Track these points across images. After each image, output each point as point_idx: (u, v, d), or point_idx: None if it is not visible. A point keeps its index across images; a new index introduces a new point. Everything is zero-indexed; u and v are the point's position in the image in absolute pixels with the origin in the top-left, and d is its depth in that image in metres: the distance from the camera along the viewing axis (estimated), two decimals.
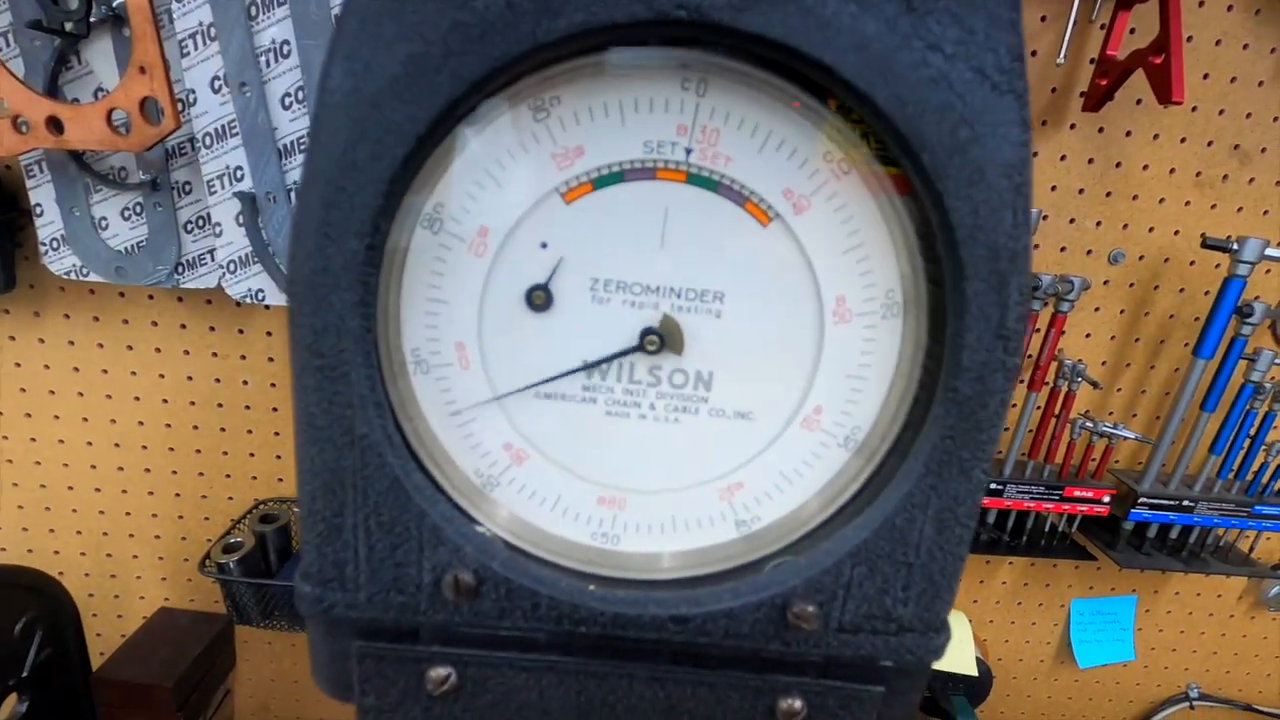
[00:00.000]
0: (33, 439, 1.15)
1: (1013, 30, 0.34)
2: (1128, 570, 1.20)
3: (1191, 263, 1.10)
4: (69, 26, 0.84)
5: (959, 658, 1.20)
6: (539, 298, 0.42)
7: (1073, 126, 1.03)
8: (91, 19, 0.85)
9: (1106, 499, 1.12)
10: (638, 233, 0.41)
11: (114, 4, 0.85)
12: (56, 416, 1.13)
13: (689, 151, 0.40)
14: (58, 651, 1.00)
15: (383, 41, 0.34)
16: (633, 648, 0.45)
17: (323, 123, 0.35)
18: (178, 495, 1.19)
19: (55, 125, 0.84)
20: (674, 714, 0.46)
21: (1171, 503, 1.12)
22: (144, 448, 1.16)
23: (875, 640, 0.44)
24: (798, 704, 0.45)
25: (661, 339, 0.42)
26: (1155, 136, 1.03)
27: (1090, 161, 1.05)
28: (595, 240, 0.42)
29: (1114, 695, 1.43)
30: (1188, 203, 1.07)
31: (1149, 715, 1.43)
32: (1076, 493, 1.11)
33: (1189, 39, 0.98)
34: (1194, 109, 1.02)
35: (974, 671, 1.19)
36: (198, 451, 1.16)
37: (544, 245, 0.42)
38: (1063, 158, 1.04)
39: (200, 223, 0.96)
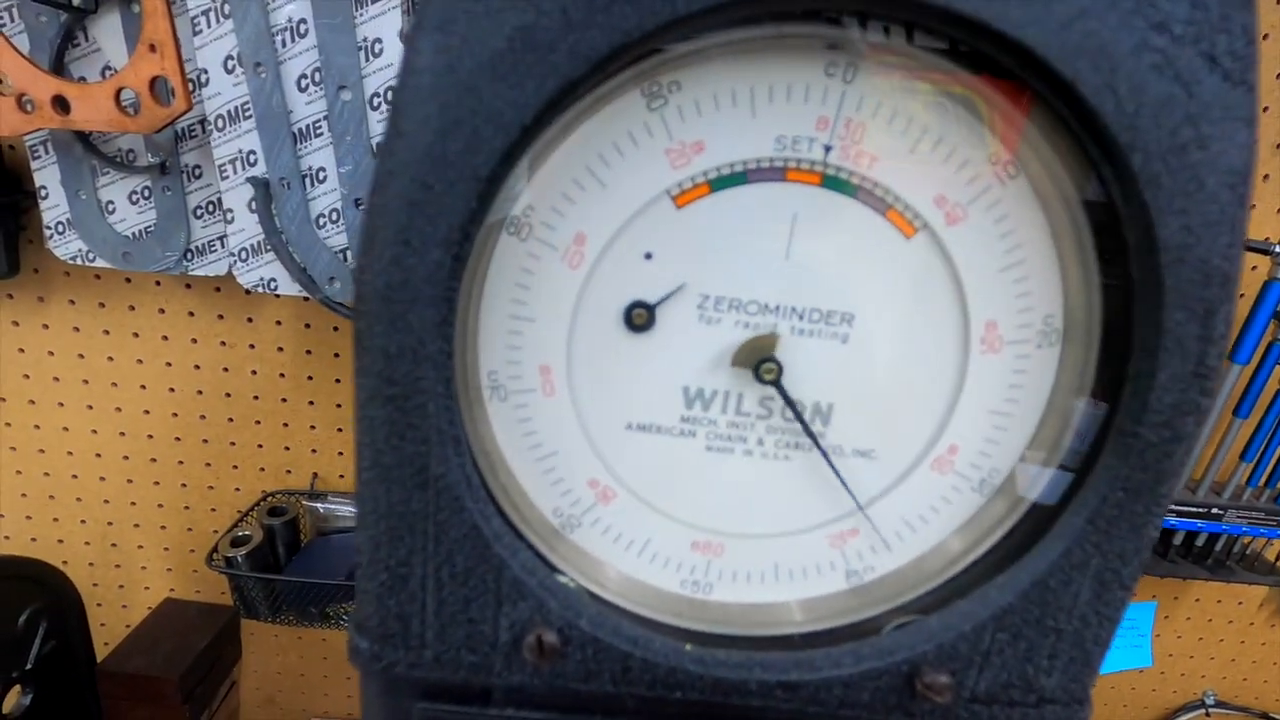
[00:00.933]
0: (36, 426, 1.11)
1: (1248, 7, 0.28)
2: (1148, 576, 1.17)
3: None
4: (76, 1, 0.80)
5: None
6: (640, 316, 0.36)
7: None
8: None
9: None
10: (759, 243, 0.35)
11: None
12: (61, 404, 1.10)
13: (828, 149, 0.34)
14: (62, 643, 0.98)
15: (485, 10, 0.28)
16: (731, 716, 0.39)
17: (406, 110, 0.29)
18: (184, 485, 1.17)
19: (61, 105, 0.79)
20: None
21: (1199, 510, 1.09)
22: (150, 437, 1.13)
23: (1011, 712, 0.39)
24: None
25: (780, 367, 0.36)
26: None
27: None
28: (709, 251, 0.35)
29: (1130, 701, 1.42)
30: (1266, 177, 1.01)
31: None
32: None
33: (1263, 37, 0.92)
34: (1277, 76, 0.96)
35: None
36: (205, 441, 1.13)
37: (649, 256, 0.35)
38: None
39: (210, 208, 0.91)
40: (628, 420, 0.38)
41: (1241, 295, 1.06)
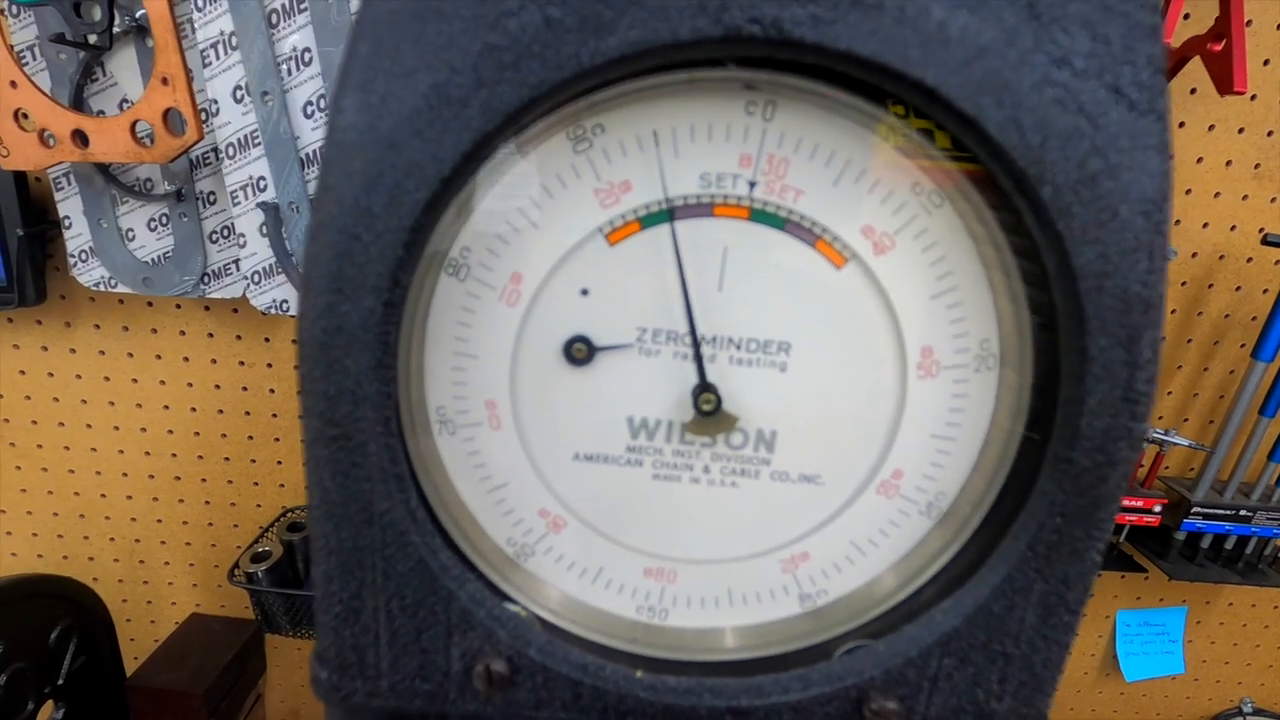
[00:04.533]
0: (66, 448, 1.15)
1: (1153, 38, 0.28)
2: (1178, 581, 1.15)
3: (1249, 259, 1.04)
4: (92, 39, 0.84)
5: None
6: (579, 351, 0.37)
7: None
8: (115, 30, 0.83)
9: (1157, 508, 1.07)
10: (691, 277, 0.36)
11: (136, 15, 0.84)
12: (89, 425, 1.14)
13: (753, 185, 0.34)
14: (92, 659, 1.00)
15: (401, 70, 0.29)
16: None
17: (333, 165, 0.30)
18: (207, 503, 1.20)
19: (81, 138, 0.83)
20: None
21: (1227, 512, 1.07)
22: (173, 455, 1.16)
23: None
24: None
25: (719, 398, 0.37)
26: (1210, 127, 0.97)
27: None
28: (643, 285, 0.36)
29: (1163, 709, 1.38)
30: (1245, 196, 1.00)
31: None
32: (1125, 502, 1.06)
33: (1248, 23, 0.90)
34: (1253, 97, 0.95)
35: None
36: (226, 459, 1.16)
37: (585, 292, 0.36)
38: None
39: (225, 233, 0.95)
40: (575, 451, 0.39)
41: (1265, 291, 1.04)
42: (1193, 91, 0.95)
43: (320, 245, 0.31)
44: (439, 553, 0.36)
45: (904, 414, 0.37)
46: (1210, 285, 1.05)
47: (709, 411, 0.37)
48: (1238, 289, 1.05)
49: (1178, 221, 1.02)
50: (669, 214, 0.35)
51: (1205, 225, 1.02)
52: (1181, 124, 0.96)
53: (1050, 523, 0.34)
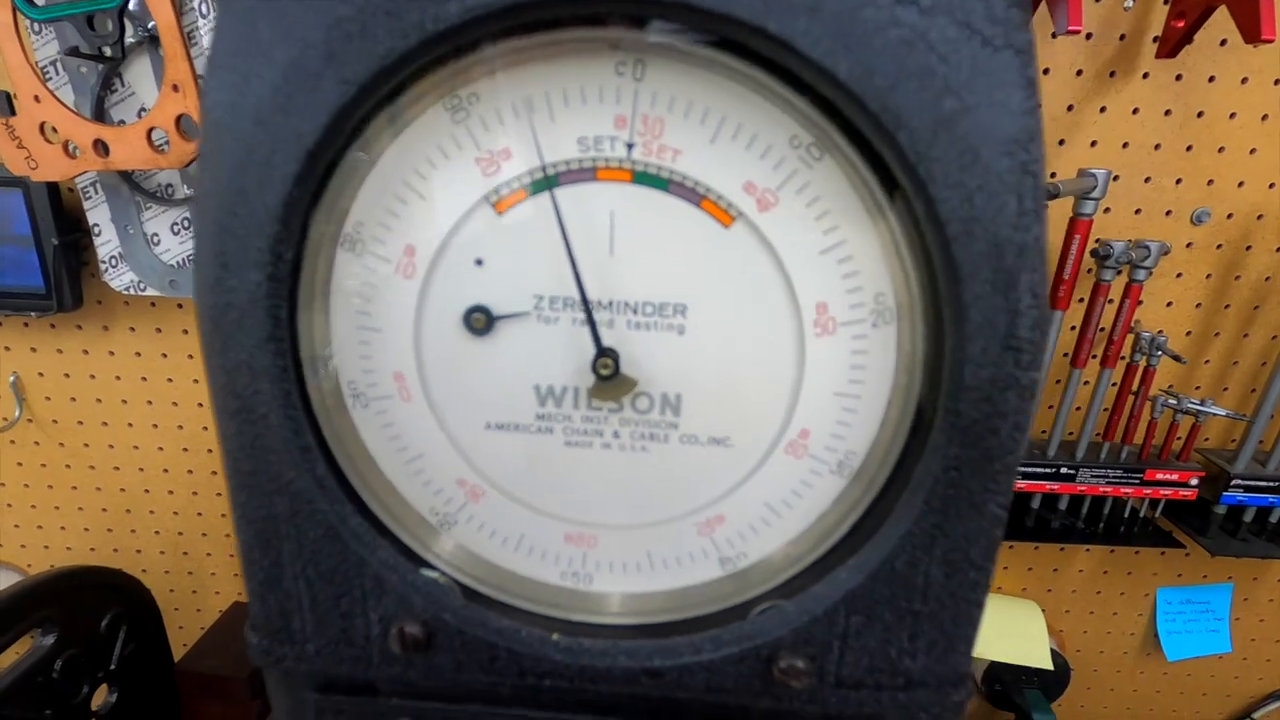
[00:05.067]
0: (110, 446, 1.21)
1: None
2: (1220, 557, 1.09)
3: None
4: (106, 51, 0.87)
5: (1033, 650, 1.13)
6: (478, 320, 0.37)
7: (1145, 76, 0.91)
8: (128, 41, 0.86)
9: (1194, 481, 1.02)
10: (582, 242, 0.36)
11: (149, 25, 0.87)
12: (130, 424, 1.19)
13: (630, 146, 0.34)
14: (141, 645, 1.05)
15: (259, 48, 0.30)
16: (607, 700, 0.41)
17: (207, 143, 0.31)
18: None
19: (101, 148, 0.86)
20: None
21: (1271, 484, 1.02)
22: (209, 451, 1.21)
23: (880, 696, 0.38)
24: None
25: (616, 362, 0.37)
26: (1244, 80, 0.91)
27: (1167, 113, 0.93)
28: (536, 253, 0.37)
29: (1209, 689, 1.33)
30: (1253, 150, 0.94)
31: (1249, 711, 1.32)
32: (1159, 475, 1.03)
33: None
34: None
35: (1049, 665, 1.12)
36: None
37: (479, 262, 0.37)
38: (1135, 111, 0.93)
39: None
40: (486, 420, 0.40)
41: None
42: (1223, 43, 0.89)
43: (203, 222, 0.32)
44: (350, 520, 0.38)
45: (805, 373, 0.37)
46: (1248, 247, 0.99)
47: (607, 376, 0.37)
48: (1278, 250, 1.00)
49: (1211, 181, 0.97)
50: (552, 180, 0.35)
51: (1241, 184, 0.96)
52: (1212, 78, 0.91)
53: (945, 477, 0.33)
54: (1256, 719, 1.31)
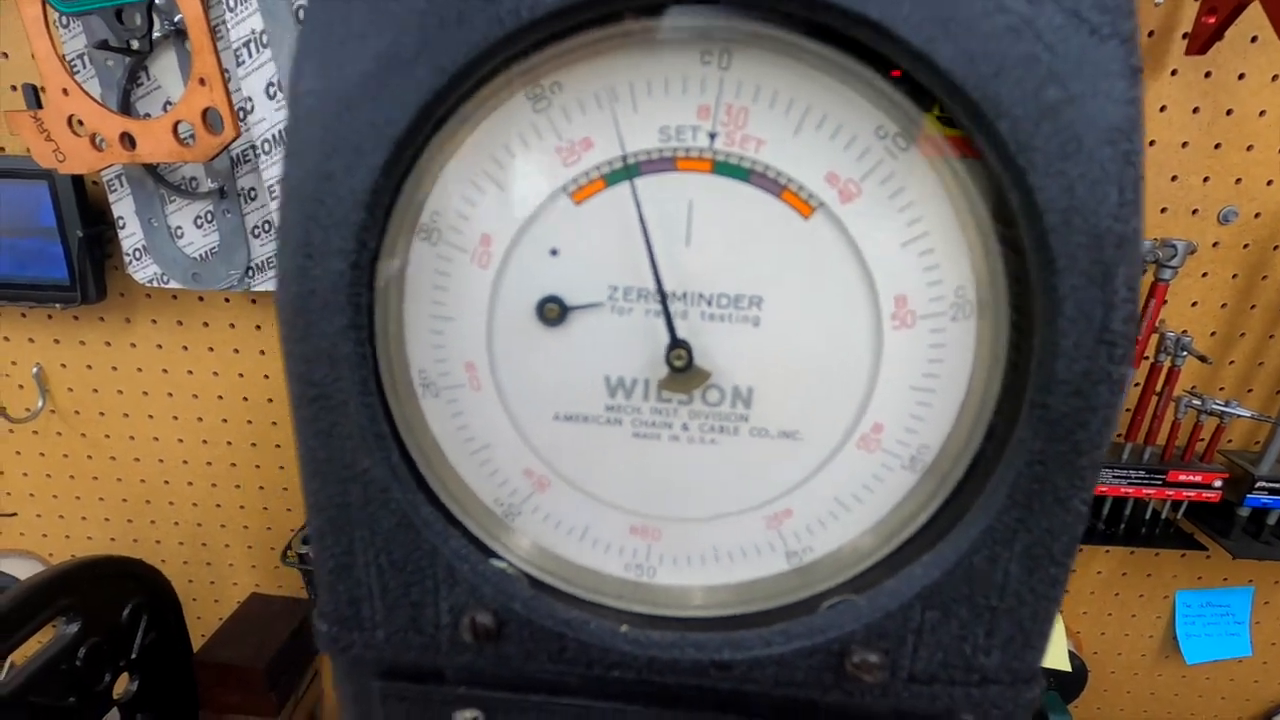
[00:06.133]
0: (131, 437, 1.22)
1: None
2: (1242, 559, 1.09)
3: None
4: (134, 44, 0.87)
5: (1050, 651, 1.12)
6: (552, 311, 0.37)
7: (1174, 73, 0.91)
8: (155, 35, 0.87)
9: (1217, 483, 1.02)
10: (659, 233, 0.36)
11: (175, 19, 0.87)
12: (150, 416, 1.20)
13: (713, 136, 0.34)
14: (162, 635, 1.06)
15: (352, 35, 0.30)
16: (675, 694, 0.40)
17: (296, 131, 0.31)
18: (261, 488, 1.25)
19: (128, 141, 0.87)
20: None
21: None
22: (229, 443, 1.22)
23: (953, 692, 0.38)
24: None
25: (690, 354, 0.37)
26: (1275, 78, 0.91)
27: (1195, 110, 0.93)
28: (612, 243, 0.36)
29: (1228, 693, 1.32)
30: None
31: (1268, 715, 1.32)
32: (1182, 477, 1.02)
33: None
34: None
35: (1066, 666, 1.11)
36: (278, 446, 1.21)
37: (554, 252, 0.37)
38: (1163, 108, 0.93)
39: (266, 227, 0.98)
40: (555, 411, 0.40)
41: None
42: (1253, 40, 0.89)
43: (289, 210, 0.32)
44: (421, 509, 0.38)
45: (881, 366, 0.37)
46: (1276, 247, 0.99)
47: (680, 368, 0.37)
48: None
49: (1239, 180, 0.96)
50: (632, 170, 0.35)
51: (1269, 183, 0.96)
52: (1242, 75, 0.91)
53: (1029, 472, 0.33)
54: None
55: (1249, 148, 0.94)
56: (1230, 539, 1.05)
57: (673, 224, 0.36)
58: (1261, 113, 0.93)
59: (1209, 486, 1.02)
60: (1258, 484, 1.02)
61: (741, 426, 0.39)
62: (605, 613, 0.41)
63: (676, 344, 0.37)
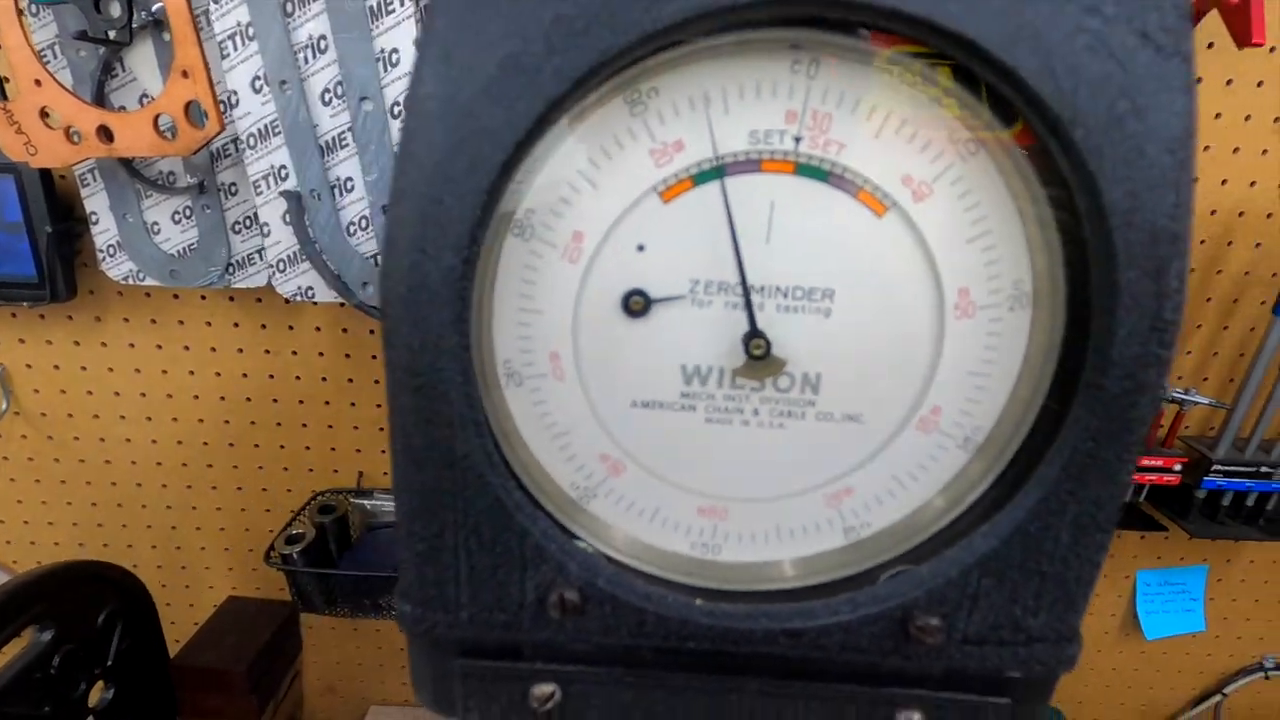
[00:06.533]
0: (101, 439, 1.19)
1: None
2: (1198, 540, 1.15)
3: (1269, 215, 1.03)
4: (112, 34, 0.85)
5: None
6: (637, 303, 0.40)
7: None
8: (133, 26, 0.84)
9: (1177, 467, 1.07)
10: (741, 230, 0.38)
11: (153, 9, 0.85)
12: (122, 416, 1.17)
13: (798, 140, 0.37)
14: (137, 641, 1.04)
15: (478, 42, 0.31)
16: (742, 663, 0.43)
17: (415, 133, 0.32)
18: (239, 489, 1.23)
19: (105, 134, 0.84)
20: None
21: (1249, 469, 1.07)
22: (205, 444, 1.19)
23: (1002, 652, 0.41)
24: (917, 717, 0.43)
25: (768, 343, 0.40)
26: (1229, 82, 0.96)
27: None
28: (695, 240, 0.39)
29: (1184, 666, 1.39)
30: (1265, 151, 0.99)
31: (1221, 686, 1.39)
32: (1145, 462, 1.07)
33: None
34: (1271, 50, 0.94)
35: None
36: (256, 446, 1.19)
37: (641, 248, 0.39)
38: None
39: (247, 223, 0.96)
40: (632, 398, 0.42)
41: None
42: (1210, 46, 0.94)
43: (403, 209, 0.34)
44: (513, 493, 0.39)
45: (942, 353, 0.40)
46: (1229, 243, 1.05)
47: (759, 356, 0.40)
48: (1257, 245, 1.05)
49: (1195, 179, 1.02)
50: (720, 171, 0.37)
51: (1224, 182, 1.01)
52: (1199, 80, 0.96)
53: (1083, 447, 0.37)
54: (1228, 694, 1.38)
55: (1205, 148, 1.00)
56: (1189, 520, 1.10)
57: (754, 221, 0.38)
58: (1217, 115, 0.98)
59: (1170, 470, 1.07)
60: (1214, 467, 1.07)
61: (809, 411, 0.42)
62: (678, 588, 0.43)
63: (756, 334, 0.39)
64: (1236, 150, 1.00)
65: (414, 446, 0.38)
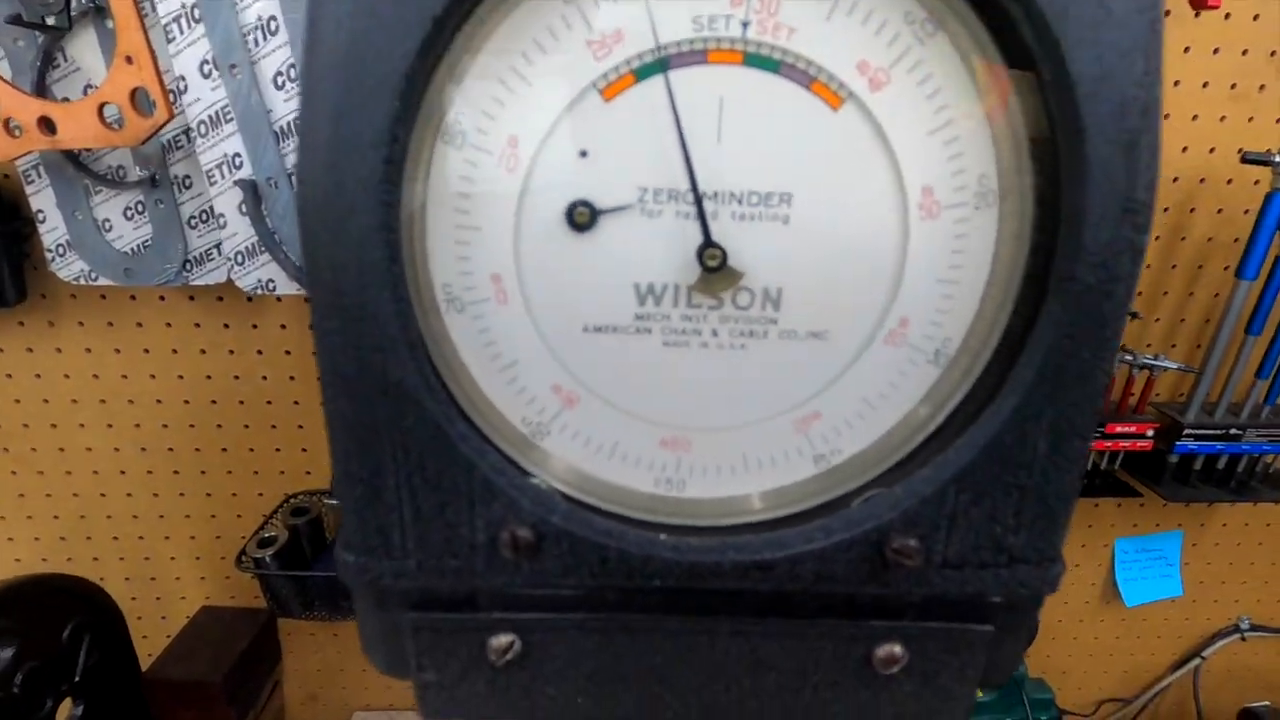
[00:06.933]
0: (61, 449, 1.14)
1: None
2: (1172, 505, 1.17)
3: (1229, 181, 1.04)
4: (50, 20, 0.80)
5: None
6: (581, 215, 0.37)
7: None
8: (72, 11, 0.80)
9: (1150, 433, 1.08)
10: (689, 130, 0.36)
11: None
12: (81, 425, 1.12)
13: (745, 25, 0.34)
14: (106, 655, 1.00)
15: None
16: (712, 601, 0.41)
17: (322, 17, 0.30)
18: (209, 495, 1.19)
19: (48, 125, 0.80)
20: (760, 669, 0.42)
21: (1218, 432, 1.09)
22: (170, 450, 1.15)
23: (984, 574, 0.39)
24: (897, 650, 0.41)
25: (724, 253, 0.37)
26: (1186, 49, 0.97)
27: None
28: (641, 143, 0.36)
29: (1163, 631, 1.41)
30: (1223, 118, 1.01)
31: (1200, 649, 1.41)
32: (1118, 429, 1.08)
33: None
34: (1227, 16, 0.95)
35: None
36: (224, 450, 1.16)
37: (583, 153, 0.36)
38: None
39: (204, 216, 0.93)
40: (583, 322, 0.39)
41: (1246, 212, 1.05)
42: (1168, 13, 0.95)
43: (316, 103, 0.31)
44: (455, 422, 0.37)
45: (907, 259, 0.38)
46: (1192, 210, 1.06)
47: (714, 267, 0.37)
48: (1219, 211, 1.06)
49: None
50: (664, 64, 0.35)
51: (1184, 149, 1.02)
52: None
53: (1058, 345, 0.35)
54: (1206, 657, 1.39)
55: (1166, 115, 1.01)
56: (1162, 485, 1.12)
57: (703, 121, 0.36)
58: (1175, 82, 0.99)
59: (1142, 436, 1.08)
60: (1185, 432, 1.08)
61: (771, 329, 0.40)
62: (638, 525, 0.41)
63: (710, 243, 0.37)
64: (1195, 118, 1.01)
65: (344, 375, 0.35)
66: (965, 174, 0.36)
